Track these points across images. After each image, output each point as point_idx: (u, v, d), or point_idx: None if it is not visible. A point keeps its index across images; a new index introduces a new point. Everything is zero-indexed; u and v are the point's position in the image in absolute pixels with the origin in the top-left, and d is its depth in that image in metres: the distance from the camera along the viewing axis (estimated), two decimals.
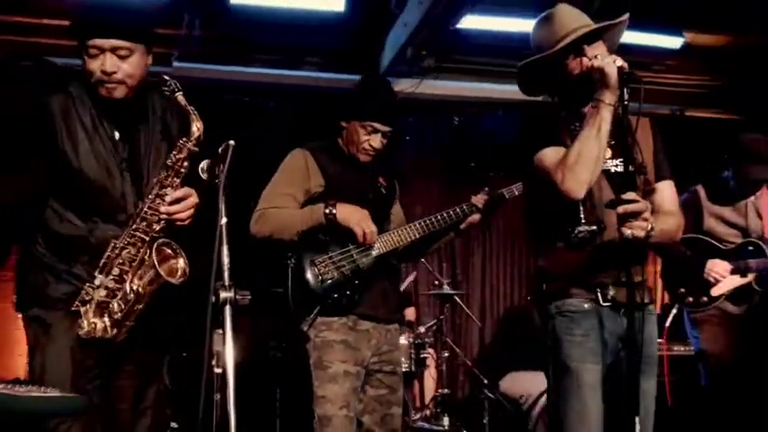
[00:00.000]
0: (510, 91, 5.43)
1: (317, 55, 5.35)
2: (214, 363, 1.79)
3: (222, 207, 1.91)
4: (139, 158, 2.23)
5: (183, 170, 2.16)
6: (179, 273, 2.14)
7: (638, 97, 2.17)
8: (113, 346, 2.16)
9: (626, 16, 2.38)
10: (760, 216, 3.39)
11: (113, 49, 2.11)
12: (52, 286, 2.16)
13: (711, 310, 3.37)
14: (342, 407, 2.51)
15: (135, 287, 2.10)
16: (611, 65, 2.21)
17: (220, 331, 1.81)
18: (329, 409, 2.50)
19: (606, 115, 2.25)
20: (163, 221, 2.14)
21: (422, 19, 4.40)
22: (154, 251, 2.08)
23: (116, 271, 2.14)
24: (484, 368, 4.32)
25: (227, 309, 1.79)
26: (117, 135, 2.21)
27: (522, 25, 4.91)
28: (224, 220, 1.90)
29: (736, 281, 3.33)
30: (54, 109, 2.17)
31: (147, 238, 2.13)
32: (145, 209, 2.13)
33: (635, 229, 2.15)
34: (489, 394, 4.12)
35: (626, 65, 2.21)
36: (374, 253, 2.66)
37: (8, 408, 1.64)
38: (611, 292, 2.30)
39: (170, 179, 2.15)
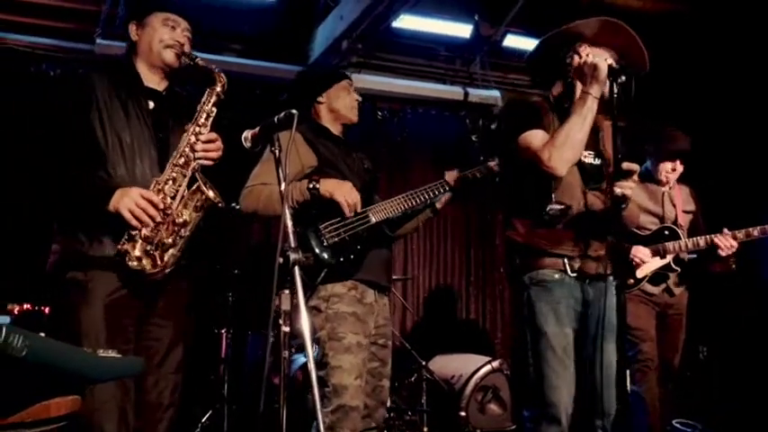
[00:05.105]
0: (428, 89, 5.74)
1: (242, 41, 5.31)
2: (281, 321, 1.82)
3: (281, 174, 1.96)
4: (168, 128, 2.36)
5: (212, 115, 2.34)
6: (217, 200, 2.29)
7: (629, 92, 2.45)
8: (153, 290, 2.22)
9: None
10: (674, 205, 3.87)
11: (184, 28, 2.44)
12: (91, 245, 2.19)
13: (635, 290, 3.78)
14: (357, 377, 2.55)
15: (182, 214, 2.23)
16: (603, 61, 2.49)
17: (286, 291, 1.86)
18: (345, 379, 2.53)
19: (593, 106, 2.51)
20: (198, 159, 2.28)
21: (361, 13, 4.52)
22: (199, 177, 2.24)
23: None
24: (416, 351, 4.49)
25: (297, 269, 1.84)
26: (151, 105, 2.37)
27: (450, 29, 5.22)
28: (283, 186, 1.95)
29: (658, 262, 3.78)
30: (95, 83, 2.29)
31: (188, 174, 2.26)
32: (185, 145, 2.27)
33: (625, 189, 2.44)
34: (427, 375, 4.31)
35: (615, 63, 2.50)
36: (373, 219, 2.71)
37: (84, 365, 1.59)
38: (577, 264, 2.57)
39: (202, 121, 2.33)
